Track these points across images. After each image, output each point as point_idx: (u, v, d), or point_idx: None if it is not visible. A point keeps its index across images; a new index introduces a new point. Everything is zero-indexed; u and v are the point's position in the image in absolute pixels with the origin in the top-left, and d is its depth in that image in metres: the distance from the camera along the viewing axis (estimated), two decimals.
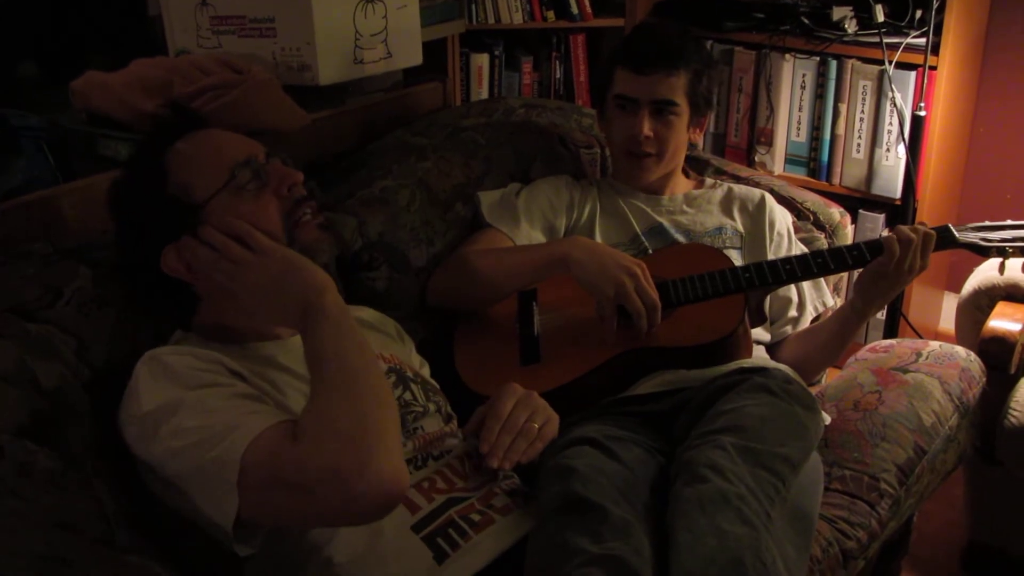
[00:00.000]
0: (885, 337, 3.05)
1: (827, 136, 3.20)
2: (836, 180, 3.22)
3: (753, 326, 1.97)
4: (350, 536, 1.37)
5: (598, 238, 2.08)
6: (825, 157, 3.22)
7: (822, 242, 2.29)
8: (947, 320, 3.42)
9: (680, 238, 2.08)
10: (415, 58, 2.36)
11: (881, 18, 3.02)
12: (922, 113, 2.92)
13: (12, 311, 1.47)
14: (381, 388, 1.33)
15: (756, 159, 3.33)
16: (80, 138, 1.93)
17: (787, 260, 1.89)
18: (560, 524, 1.39)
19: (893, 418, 1.90)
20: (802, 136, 3.26)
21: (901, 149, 3.02)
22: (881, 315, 3.13)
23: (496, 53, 3.51)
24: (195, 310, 1.54)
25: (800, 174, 3.28)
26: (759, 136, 3.33)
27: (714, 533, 1.33)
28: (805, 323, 2.11)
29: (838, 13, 3.10)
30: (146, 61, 2.00)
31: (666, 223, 2.10)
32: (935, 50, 2.89)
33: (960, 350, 2.13)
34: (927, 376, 2.02)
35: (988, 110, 3.26)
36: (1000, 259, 1.89)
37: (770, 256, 2.09)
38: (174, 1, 2.21)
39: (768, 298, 2.07)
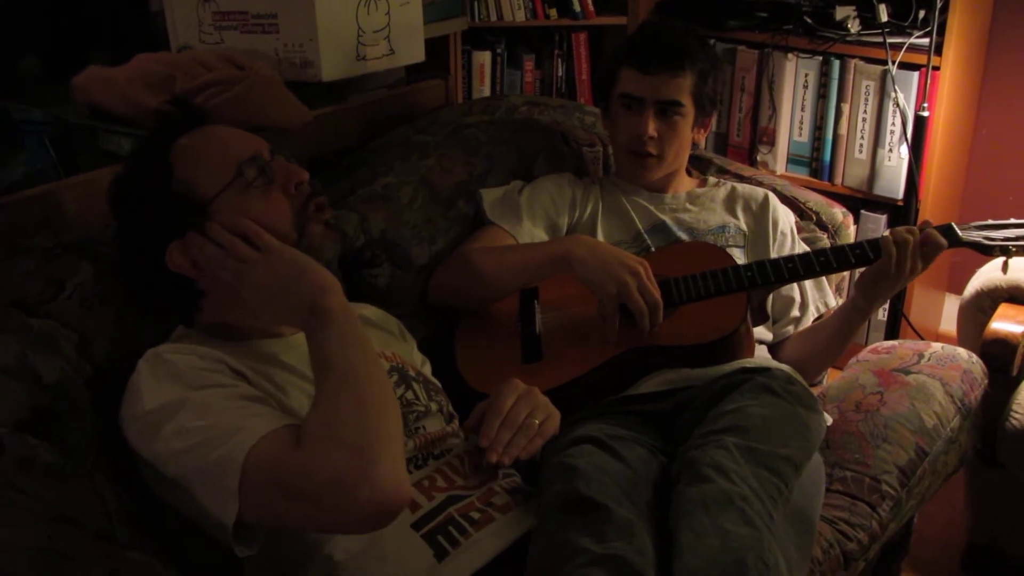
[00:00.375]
0: (886, 338, 3.05)
1: (829, 136, 3.20)
2: (838, 180, 3.21)
3: (755, 325, 1.97)
4: (350, 535, 1.36)
5: (600, 236, 2.08)
6: (827, 157, 3.22)
7: (825, 242, 2.29)
8: (948, 321, 3.42)
9: (683, 236, 2.08)
10: (417, 55, 2.35)
11: (884, 18, 3.01)
12: (925, 113, 2.92)
13: (14, 305, 1.47)
14: (385, 394, 1.32)
15: (758, 159, 3.33)
16: (82, 132, 1.92)
17: (790, 258, 1.89)
18: (562, 523, 1.39)
19: (895, 419, 1.90)
20: (804, 136, 3.26)
21: (904, 149, 3.01)
22: (882, 316, 3.13)
23: (498, 51, 3.50)
24: (198, 307, 1.53)
25: (802, 174, 3.27)
26: (761, 136, 3.33)
27: (717, 533, 1.32)
28: (807, 323, 2.10)
29: (841, 13, 3.10)
30: (148, 56, 2.00)
31: (669, 221, 2.10)
32: (938, 50, 2.89)
33: (962, 352, 2.13)
34: (929, 378, 2.02)
35: (991, 111, 3.26)
36: (1003, 258, 1.88)
37: (773, 255, 2.09)
38: None
39: (771, 298, 2.07)
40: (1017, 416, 2.19)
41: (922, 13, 2.96)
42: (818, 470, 1.72)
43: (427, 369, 1.79)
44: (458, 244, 2.06)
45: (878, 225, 3.13)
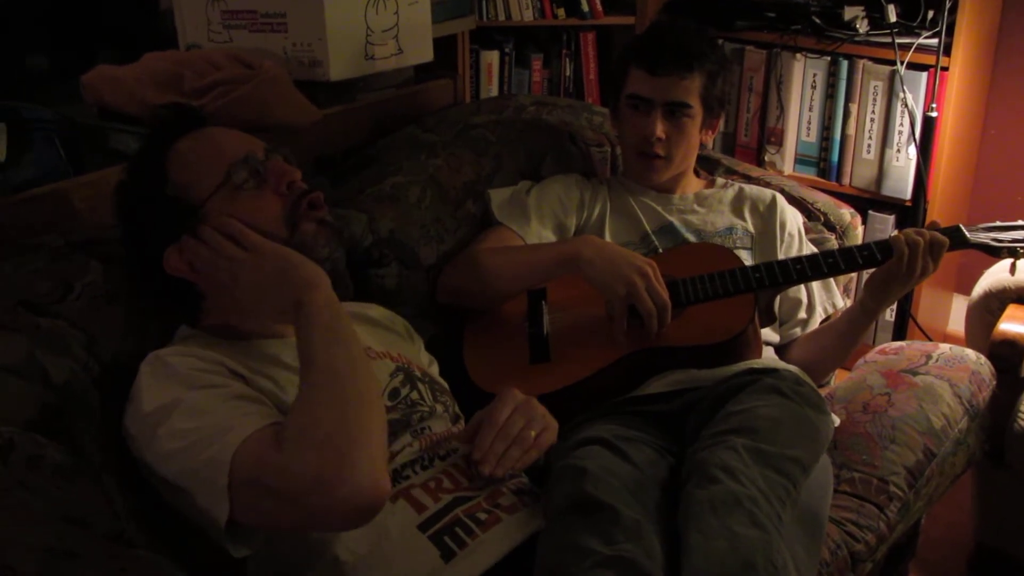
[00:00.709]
0: (894, 339, 3.05)
1: (837, 136, 3.19)
2: (846, 180, 3.21)
3: (763, 326, 1.97)
4: (356, 535, 1.37)
5: (608, 237, 2.08)
6: (835, 157, 3.22)
7: (832, 243, 2.29)
8: (956, 322, 3.41)
9: (690, 237, 2.07)
10: (426, 54, 2.35)
11: (893, 18, 3.01)
12: (933, 114, 2.91)
13: (23, 305, 1.47)
14: (367, 391, 1.32)
15: (766, 159, 3.33)
16: (91, 131, 1.93)
17: (797, 260, 1.89)
18: (571, 525, 1.39)
19: (902, 420, 1.90)
20: (812, 136, 3.26)
21: (912, 150, 3.01)
22: (890, 317, 3.13)
23: (506, 50, 3.51)
24: (200, 308, 1.54)
25: (810, 174, 3.27)
26: (769, 136, 3.32)
27: (725, 535, 1.32)
28: (814, 325, 2.10)
29: (849, 13, 3.09)
30: (157, 55, 2.00)
31: (676, 222, 2.10)
32: (947, 51, 2.88)
33: (970, 353, 2.13)
34: (937, 379, 2.01)
35: (999, 111, 3.25)
36: (1011, 259, 1.88)
37: (781, 257, 2.09)
38: None
39: (778, 299, 2.07)
40: None
41: (931, 13, 2.96)
42: (826, 471, 1.71)
43: (434, 369, 1.79)
44: (466, 244, 2.06)
45: (886, 226, 3.12)
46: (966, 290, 2.65)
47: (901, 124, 3.04)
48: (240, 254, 1.42)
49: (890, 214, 3.13)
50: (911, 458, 1.84)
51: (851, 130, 3.15)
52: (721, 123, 3.09)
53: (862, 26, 3.08)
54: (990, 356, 2.17)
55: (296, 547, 1.38)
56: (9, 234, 1.61)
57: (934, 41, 2.88)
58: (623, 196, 2.15)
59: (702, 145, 2.19)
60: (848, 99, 3.14)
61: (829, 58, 3.14)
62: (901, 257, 1.80)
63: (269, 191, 1.49)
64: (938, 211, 3.02)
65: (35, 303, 1.48)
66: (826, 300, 2.13)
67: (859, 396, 1.99)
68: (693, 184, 2.22)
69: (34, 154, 1.80)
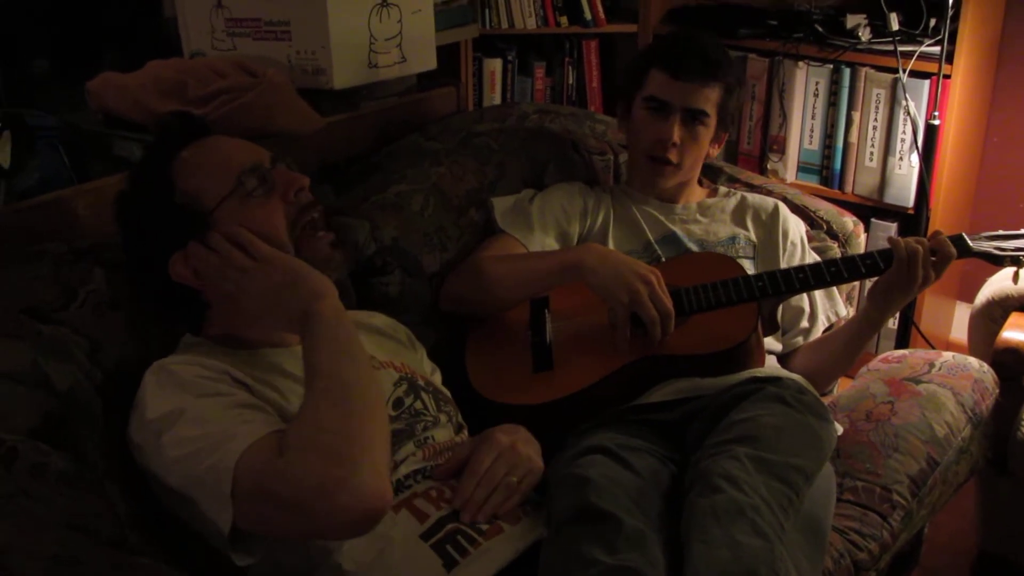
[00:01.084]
0: (897, 347, 3.04)
1: (840, 144, 3.19)
2: (849, 188, 3.21)
3: (766, 335, 1.97)
4: (358, 544, 1.36)
5: (611, 245, 2.08)
6: (838, 165, 3.22)
7: (835, 251, 2.28)
8: (959, 330, 3.41)
9: (693, 247, 2.07)
10: (429, 62, 2.36)
11: (895, 26, 3.01)
12: (936, 122, 2.91)
13: (26, 312, 1.47)
14: (371, 401, 1.32)
15: (768, 167, 3.33)
16: (95, 139, 1.93)
17: (800, 269, 1.89)
18: (574, 534, 1.39)
19: (905, 429, 1.89)
20: (815, 144, 3.26)
21: (914, 158, 3.01)
22: (893, 325, 3.12)
23: (509, 58, 3.51)
24: (204, 316, 1.55)
25: (812, 182, 3.27)
26: (772, 144, 3.32)
27: (728, 544, 1.32)
28: (817, 334, 2.10)
29: (852, 21, 3.10)
30: (161, 63, 2.00)
31: (679, 232, 2.10)
32: (949, 59, 2.88)
33: (973, 361, 2.12)
34: (940, 387, 2.01)
35: (1002, 119, 3.25)
36: (1014, 268, 1.88)
37: (783, 265, 2.09)
38: (189, 3, 2.21)
39: (780, 308, 2.07)
40: None
41: (933, 21, 2.96)
42: (829, 480, 1.71)
43: (437, 378, 1.79)
44: (469, 252, 2.06)
45: (889, 234, 3.12)
46: (969, 298, 2.65)
47: (904, 132, 3.04)
48: (249, 263, 1.42)
49: (893, 222, 3.13)
50: (914, 467, 1.84)
51: (854, 138, 3.16)
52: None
53: (864, 34, 3.09)
54: (993, 364, 2.17)
55: (298, 556, 1.38)
56: (13, 241, 1.62)
57: (936, 49, 2.88)
58: (626, 205, 2.15)
59: (706, 157, 2.20)
60: (851, 107, 3.14)
61: (831, 66, 3.14)
62: (901, 262, 1.79)
63: (276, 199, 1.50)
64: (941, 219, 3.02)
65: (39, 310, 1.48)
66: (829, 309, 2.13)
67: (862, 404, 1.99)
68: (696, 193, 2.22)
69: (38, 161, 1.81)
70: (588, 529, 1.38)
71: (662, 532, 1.42)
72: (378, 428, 1.30)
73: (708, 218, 2.15)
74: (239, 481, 1.25)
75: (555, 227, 2.09)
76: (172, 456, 1.31)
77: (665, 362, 1.82)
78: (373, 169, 2.16)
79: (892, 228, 3.12)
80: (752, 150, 3.38)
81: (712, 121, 2.09)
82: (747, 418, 1.57)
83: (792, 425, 1.57)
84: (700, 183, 2.26)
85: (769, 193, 2.33)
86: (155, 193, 1.50)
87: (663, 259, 2.05)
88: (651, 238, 2.09)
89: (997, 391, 2.10)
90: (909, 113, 2.99)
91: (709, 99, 2.07)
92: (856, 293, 2.54)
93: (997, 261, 1.87)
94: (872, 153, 3.13)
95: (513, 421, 1.60)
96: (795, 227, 2.17)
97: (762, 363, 1.89)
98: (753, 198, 2.21)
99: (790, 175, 3.31)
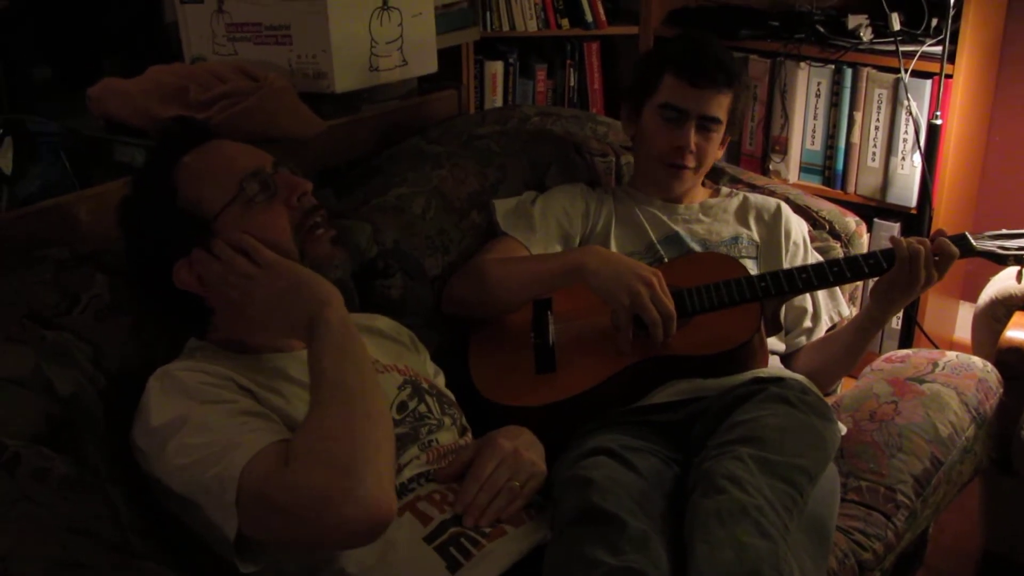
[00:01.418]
0: (900, 347, 3.04)
1: (842, 144, 3.19)
2: (851, 189, 3.21)
3: (769, 335, 1.97)
4: (362, 548, 1.36)
5: (613, 246, 2.08)
6: (840, 166, 3.21)
7: (838, 251, 2.28)
8: (962, 330, 3.41)
9: (696, 247, 2.07)
10: (430, 66, 2.36)
11: (897, 26, 3.01)
12: (938, 122, 2.91)
13: (29, 317, 1.47)
14: (377, 409, 1.32)
15: (771, 167, 3.33)
16: (96, 144, 1.93)
17: (803, 269, 1.89)
18: (578, 536, 1.38)
19: (909, 428, 1.89)
20: (817, 144, 3.26)
21: (917, 158, 3.01)
22: (896, 325, 3.12)
23: (510, 61, 3.51)
24: (208, 322, 1.55)
25: (815, 182, 3.27)
26: (774, 144, 3.32)
27: (732, 545, 1.32)
28: (820, 333, 2.09)
29: (853, 21, 3.10)
30: (162, 68, 2.01)
31: (682, 232, 2.09)
32: (951, 58, 2.88)
33: (977, 360, 2.12)
34: (944, 387, 2.01)
35: (1004, 118, 3.25)
36: (1018, 267, 1.88)
37: (786, 266, 2.09)
38: (190, 8, 2.22)
39: (783, 308, 2.07)
40: None
41: (934, 21, 2.96)
42: (833, 480, 1.71)
43: (440, 380, 1.79)
44: (471, 255, 2.06)
45: (892, 234, 3.12)
46: (972, 297, 2.65)
47: (906, 132, 3.04)
48: (253, 270, 1.42)
49: (895, 222, 3.13)
50: (918, 466, 1.83)
51: (856, 138, 3.15)
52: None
53: (866, 34, 3.08)
54: (997, 364, 2.17)
55: (302, 560, 1.38)
56: (15, 247, 1.62)
57: (938, 49, 2.88)
58: (628, 206, 2.15)
59: None
60: (852, 107, 3.14)
61: (833, 66, 3.14)
62: (902, 263, 1.79)
63: (279, 204, 1.50)
64: (943, 219, 3.02)
65: (41, 315, 1.49)
66: (832, 309, 2.13)
67: (866, 404, 1.98)
68: (699, 194, 2.21)
69: (40, 167, 1.82)
70: (592, 530, 1.38)
71: (665, 533, 1.41)
72: (383, 437, 1.30)
73: (711, 218, 2.15)
74: (244, 490, 1.25)
75: (557, 229, 2.09)
76: (177, 464, 1.31)
77: (668, 363, 1.82)
78: (374, 172, 2.16)
79: (895, 228, 3.12)
80: (754, 151, 3.38)
81: (723, 126, 2.10)
82: (750, 419, 1.57)
83: (795, 425, 1.57)
84: (703, 184, 2.26)
85: (771, 194, 2.32)
86: (158, 199, 1.50)
87: (665, 259, 2.05)
88: (654, 238, 2.09)
89: (1001, 390, 2.10)
90: (911, 113, 2.99)
91: (723, 105, 2.08)
92: (859, 293, 2.54)
93: (1000, 260, 1.87)
94: (874, 153, 3.12)
95: (516, 423, 1.60)
96: (797, 227, 2.17)
97: (765, 363, 1.89)
98: (756, 198, 2.21)
99: (792, 176, 3.31)
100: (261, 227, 1.47)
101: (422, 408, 1.60)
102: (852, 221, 2.35)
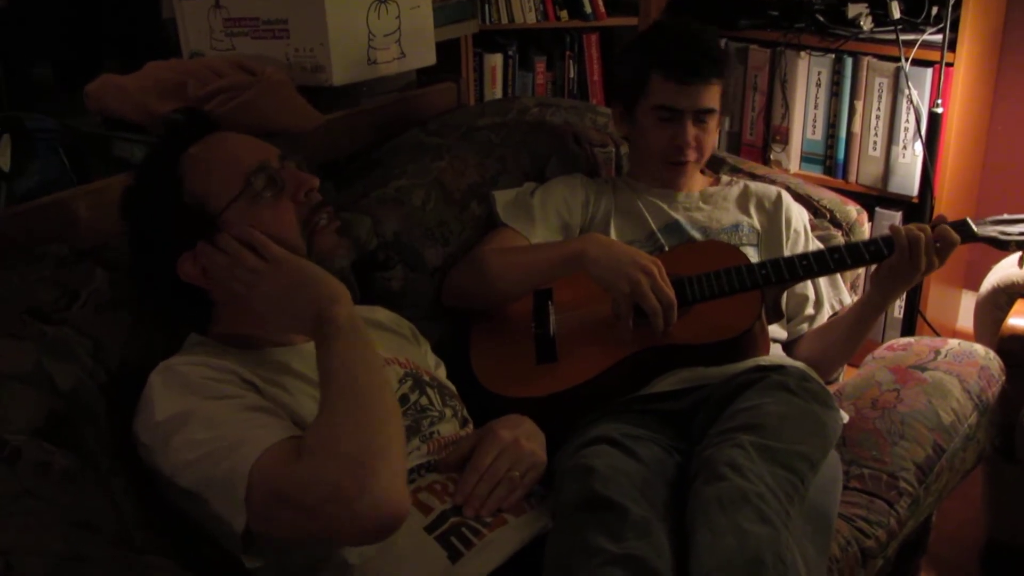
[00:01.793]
0: (903, 335, 3.04)
1: (843, 134, 3.19)
2: (852, 178, 3.20)
3: (770, 322, 1.97)
4: None
5: (614, 236, 2.07)
6: (841, 155, 3.21)
7: (839, 240, 2.28)
8: (965, 318, 3.40)
9: (696, 235, 2.07)
10: (429, 58, 2.36)
11: (897, 15, 3.01)
12: (939, 110, 2.91)
13: (29, 313, 1.47)
14: (388, 406, 1.32)
15: (772, 157, 3.32)
16: (95, 140, 1.93)
17: (804, 256, 1.88)
18: (580, 523, 1.38)
19: (912, 416, 1.89)
20: (818, 134, 3.25)
21: (918, 146, 3.00)
22: (898, 313, 3.12)
23: (510, 53, 3.51)
24: (211, 316, 1.54)
25: (816, 172, 3.26)
26: (774, 134, 3.32)
27: (734, 532, 1.32)
28: (822, 321, 2.09)
29: (853, 10, 3.09)
30: (160, 64, 2.00)
31: (682, 220, 2.09)
32: (951, 47, 2.88)
33: (979, 348, 2.12)
34: (946, 374, 2.01)
35: (1005, 106, 3.24)
36: (1020, 252, 1.87)
37: (787, 253, 2.08)
38: (187, 3, 2.22)
39: (785, 296, 2.06)
40: None
41: (935, 10, 2.97)
42: (835, 467, 1.71)
43: (441, 372, 1.79)
44: (471, 246, 2.06)
45: (893, 222, 3.11)
46: (974, 285, 2.65)
47: (907, 121, 3.03)
48: (259, 264, 1.42)
49: (897, 211, 3.13)
50: (920, 454, 1.83)
51: (856, 127, 3.15)
52: (726, 122, 3.08)
53: (866, 23, 3.08)
54: (999, 351, 2.16)
55: (305, 551, 1.38)
56: (14, 243, 1.62)
57: (938, 37, 2.87)
58: (628, 195, 2.15)
59: None
60: (853, 96, 3.13)
61: (833, 56, 3.14)
62: (902, 251, 1.79)
63: (286, 199, 1.50)
64: (945, 207, 3.02)
65: (41, 311, 1.49)
66: (833, 296, 2.13)
67: (868, 392, 1.98)
68: (699, 182, 2.21)
69: (38, 164, 1.81)
70: (594, 518, 1.38)
71: (667, 521, 1.41)
72: (395, 434, 1.29)
73: (711, 206, 2.15)
74: (254, 486, 1.25)
75: (557, 219, 2.09)
76: (184, 459, 1.30)
77: (669, 352, 1.82)
78: (374, 165, 2.16)
79: (897, 217, 3.12)
80: (755, 141, 3.38)
81: (718, 112, 2.10)
82: (751, 406, 1.57)
83: (796, 413, 1.56)
84: (702, 172, 2.25)
85: (772, 183, 2.32)
86: (163, 191, 1.50)
87: (666, 248, 2.04)
88: (654, 227, 2.08)
89: (1003, 378, 2.10)
90: (912, 102, 2.99)
91: (715, 95, 2.07)
92: (860, 281, 2.53)
93: (1002, 246, 1.86)
94: (875, 142, 3.12)
95: (518, 413, 1.60)
96: (798, 214, 2.17)
97: (766, 351, 1.88)
98: (756, 186, 2.21)
99: (793, 165, 3.30)
100: (268, 222, 1.47)
101: (423, 400, 1.60)
102: (853, 209, 2.35)
